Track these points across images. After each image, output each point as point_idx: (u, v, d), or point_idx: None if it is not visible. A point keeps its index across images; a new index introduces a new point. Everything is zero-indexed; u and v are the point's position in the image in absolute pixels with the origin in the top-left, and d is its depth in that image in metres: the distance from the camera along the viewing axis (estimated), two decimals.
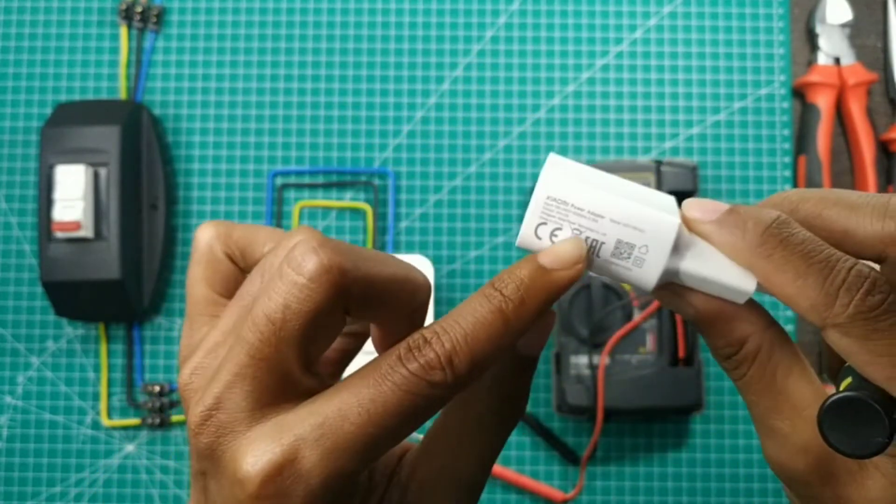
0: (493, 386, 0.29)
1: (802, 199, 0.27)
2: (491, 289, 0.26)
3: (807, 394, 0.27)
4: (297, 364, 0.26)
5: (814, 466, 0.27)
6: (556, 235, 0.27)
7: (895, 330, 0.24)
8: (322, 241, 0.25)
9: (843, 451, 0.25)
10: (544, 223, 0.27)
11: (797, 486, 0.28)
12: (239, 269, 0.31)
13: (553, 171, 0.27)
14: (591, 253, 0.27)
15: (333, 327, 0.26)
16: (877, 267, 0.26)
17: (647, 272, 0.27)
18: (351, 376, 0.26)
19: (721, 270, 0.27)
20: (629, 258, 0.27)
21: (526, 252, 0.28)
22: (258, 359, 0.25)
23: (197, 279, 0.30)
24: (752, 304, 0.28)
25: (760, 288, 0.27)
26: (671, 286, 0.28)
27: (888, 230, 0.26)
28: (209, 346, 0.28)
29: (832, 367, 0.31)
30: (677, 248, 0.27)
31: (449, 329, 0.25)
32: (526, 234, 0.27)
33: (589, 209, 0.27)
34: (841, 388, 0.26)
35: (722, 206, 0.27)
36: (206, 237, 0.30)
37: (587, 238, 0.27)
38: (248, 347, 0.25)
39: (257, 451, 0.25)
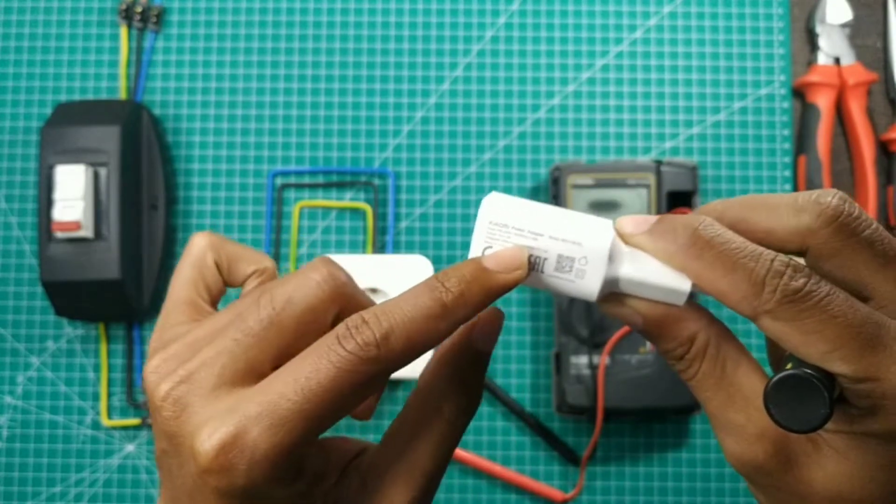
0: (453, 378, 0.30)
1: (727, 206, 0.30)
2: (434, 280, 0.28)
3: (756, 383, 0.29)
4: (269, 361, 0.29)
5: (771, 453, 0.28)
6: None
7: (820, 307, 0.26)
8: (335, 262, 0.30)
9: (790, 427, 0.26)
10: (490, 246, 0.30)
11: (759, 478, 0.29)
12: (223, 279, 0.34)
13: (492, 200, 0.30)
14: (536, 269, 0.29)
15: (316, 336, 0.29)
16: (802, 261, 0.28)
17: (589, 282, 0.29)
18: (297, 356, 0.28)
19: (658, 274, 0.29)
20: (571, 271, 0.29)
21: None
22: (243, 340, 0.28)
23: (184, 280, 0.33)
24: (692, 304, 0.29)
25: (695, 287, 0.29)
26: (615, 296, 0.30)
27: (803, 223, 0.28)
28: (190, 341, 0.30)
29: (774, 359, 0.32)
30: (615, 259, 0.29)
31: (388, 311, 0.28)
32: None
33: (528, 229, 0.29)
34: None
35: (652, 218, 0.29)
36: (202, 243, 0.34)
37: (530, 256, 0.29)
38: (241, 326, 0.29)
39: (210, 428, 0.27)
